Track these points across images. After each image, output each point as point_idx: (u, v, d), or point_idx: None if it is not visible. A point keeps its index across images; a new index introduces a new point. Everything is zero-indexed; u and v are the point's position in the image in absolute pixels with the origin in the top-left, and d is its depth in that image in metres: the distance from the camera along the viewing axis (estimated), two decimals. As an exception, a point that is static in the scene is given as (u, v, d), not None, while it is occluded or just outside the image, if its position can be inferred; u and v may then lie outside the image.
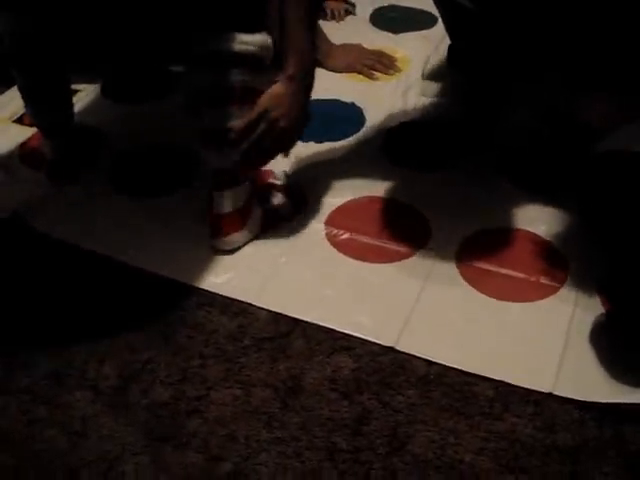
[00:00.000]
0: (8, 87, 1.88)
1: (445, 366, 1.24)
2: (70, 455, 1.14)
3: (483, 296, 1.36)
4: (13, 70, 1.52)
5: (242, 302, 1.36)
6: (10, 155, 1.72)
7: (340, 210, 1.55)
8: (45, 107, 1.58)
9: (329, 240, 1.48)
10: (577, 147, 1.53)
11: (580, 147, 1.53)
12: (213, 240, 1.45)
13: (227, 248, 1.45)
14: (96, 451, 1.14)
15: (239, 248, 1.47)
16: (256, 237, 1.49)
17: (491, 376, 1.22)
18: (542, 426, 1.15)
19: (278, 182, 1.57)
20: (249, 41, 1.30)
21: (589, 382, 1.20)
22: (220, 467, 1.12)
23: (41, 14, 1.45)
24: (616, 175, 1.54)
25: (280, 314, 1.34)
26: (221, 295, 1.38)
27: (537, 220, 1.50)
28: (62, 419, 1.19)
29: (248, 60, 1.32)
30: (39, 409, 1.20)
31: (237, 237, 1.45)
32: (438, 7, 1.64)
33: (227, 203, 1.41)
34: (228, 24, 1.30)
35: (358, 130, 1.77)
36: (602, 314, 1.30)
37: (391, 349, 1.27)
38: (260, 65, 1.34)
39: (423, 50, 2.02)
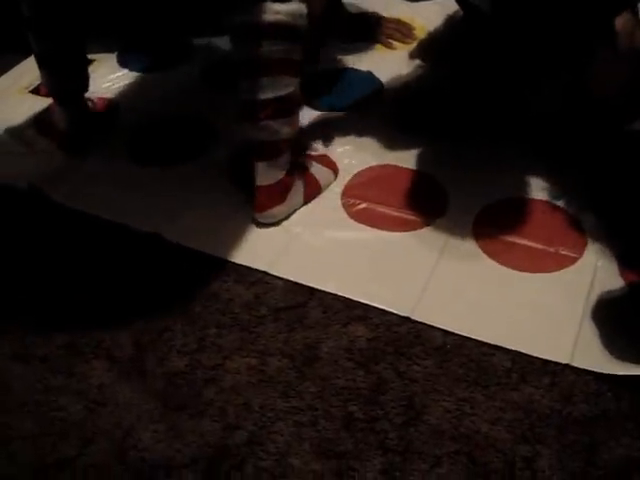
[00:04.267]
0: (25, 56, 1.87)
1: (462, 336, 1.23)
2: (86, 423, 1.14)
3: (501, 266, 1.34)
4: (30, 35, 1.52)
5: (258, 271, 1.36)
6: (26, 126, 1.72)
7: (356, 179, 1.54)
8: (61, 74, 1.57)
9: (345, 209, 1.47)
10: (599, 121, 1.51)
11: (600, 121, 1.51)
12: (255, 213, 1.44)
13: (268, 221, 1.45)
14: (112, 419, 1.15)
15: (280, 221, 1.46)
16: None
17: (508, 346, 1.21)
18: (559, 397, 1.14)
19: (314, 152, 1.56)
20: (282, 10, 1.28)
21: (607, 354, 1.19)
22: (236, 435, 1.12)
23: None
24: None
25: (296, 284, 1.33)
26: (237, 264, 1.37)
27: (556, 191, 1.48)
28: (78, 387, 1.19)
29: (281, 30, 1.30)
30: (55, 378, 1.21)
31: (278, 210, 1.44)
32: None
33: (269, 174, 1.40)
34: None
35: (375, 99, 1.75)
36: (623, 286, 1.28)
37: (407, 319, 1.26)
38: (294, 34, 1.32)
39: (440, 19, 1.99)
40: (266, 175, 1.40)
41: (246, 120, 1.38)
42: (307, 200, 1.49)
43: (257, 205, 1.43)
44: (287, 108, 1.37)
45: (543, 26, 1.41)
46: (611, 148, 1.52)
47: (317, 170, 1.52)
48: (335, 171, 1.55)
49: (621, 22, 1.26)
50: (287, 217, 1.46)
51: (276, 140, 1.38)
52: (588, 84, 1.44)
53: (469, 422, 1.12)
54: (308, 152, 1.57)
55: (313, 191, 1.50)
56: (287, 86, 1.34)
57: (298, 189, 1.47)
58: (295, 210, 1.47)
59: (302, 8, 1.31)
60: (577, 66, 1.45)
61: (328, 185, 1.53)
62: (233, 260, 1.38)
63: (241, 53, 1.33)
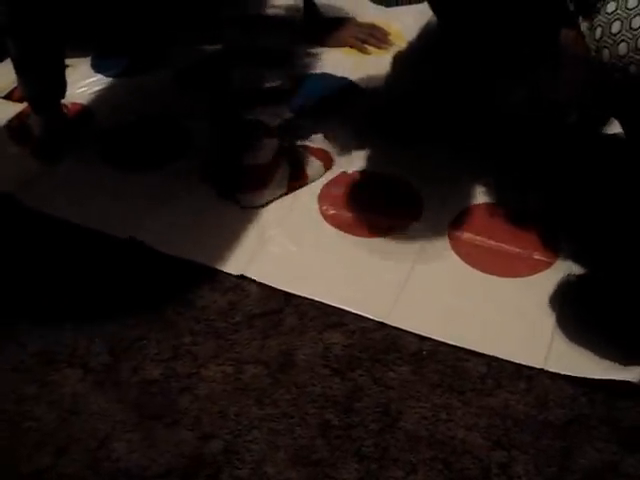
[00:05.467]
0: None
1: (437, 342, 1.23)
2: (60, 432, 1.13)
3: (475, 271, 1.35)
4: (8, 40, 1.51)
5: (232, 277, 1.35)
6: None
7: (332, 184, 1.54)
8: (39, 79, 1.56)
9: (321, 214, 1.47)
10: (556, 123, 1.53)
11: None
12: (238, 194, 1.46)
13: (248, 205, 1.47)
14: (86, 429, 1.14)
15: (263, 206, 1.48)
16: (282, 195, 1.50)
17: (483, 351, 1.21)
18: (534, 402, 1.15)
19: (311, 144, 1.58)
20: (279, 4, 1.31)
21: (581, 358, 1.19)
22: (211, 444, 1.11)
23: None
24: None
25: (271, 290, 1.32)
26: (211, 269, 1.37)
27: (528, 194, 1.48)
28: (52, 397, 1.18)
29: (278, 22, 1.32)
30: (29, 387, 1.19)
31: (260, 194, 1.46)
32: None
33: (256, 155, 1.43)
34: None
35: (349, 103, 1.74)
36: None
37: (383, 325, 1.26)
38: (291, 26, 1.35)
39: (416, 24, 1.99)
40: (254, 155, 1.43)
41: (244, 107, 1.41)
42: (290, 189, 1.50)
43: (242, 185, 1.45)
44: (278, 97, 1.40)
45: (488, 26, 1.44)
46: (578, 151, 1.53)
47: (308, 161, 1.53)
48: (327, 165, 1.56)
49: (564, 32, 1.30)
50: (266, 204, 1.48)
51: (266, 124, 1.41)
52: (548, 88, 1.45)
53: (445, 428, 1.12)
54: (304, 142, 1.58)
55: (298, 181, 1.51)
56: (280, 76, 1.37)
57: (283, 175, 1.48)
58: (275, 198, 1.49)
59: (298, 1, 1.34)
60: (536, 70, 1.46)
61: (317, 178, 1.54)
62: (208, 265, 1.37)
63: (237, 43, 1.36)
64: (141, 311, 1.30)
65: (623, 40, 1.04)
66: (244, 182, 1.45)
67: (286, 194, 1.50)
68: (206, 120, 1.65)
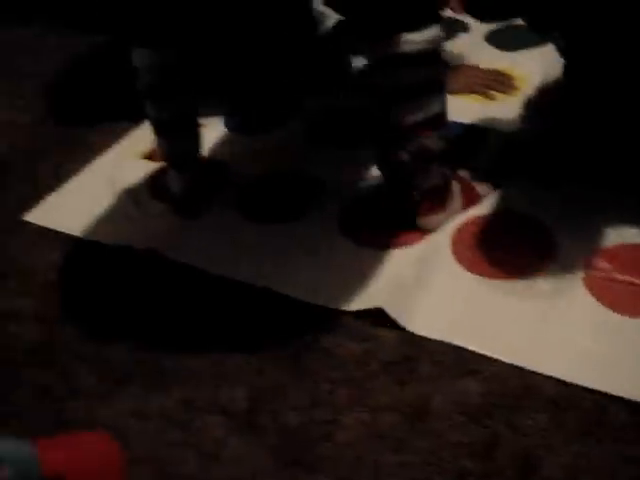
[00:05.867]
0: (136, 124, 1.96)
1: (574, 387, 1.21)
2: (202, 478, 1.17)
3: (612, 313, 1.33)
4: (149, 102, 1.59)
5: (367, 324, 1.37)
6: (140, 190, 1.79)
7: (465, 226, 1.54)
8: (177, 139, 1.64)
9: (454, 255, 1.48)
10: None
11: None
12: (418, 218, 1.52)
13: (429, 227, 1.52)
14: (228, 474, 1.17)
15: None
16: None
17: (624, 395, 1.18)
18: (679, 452, 1.11)
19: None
20: (419, 40, 1.34)
21: None
22: (350, 491, 1.13)
23: (184, 46, 1.53)
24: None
25: (407, 336, 1.34)
26: (347, 315, 1.39)
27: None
28: (195, 442, 1.22)
29: (422, 57, 1.36)
30: (174, 432, 1.24)
31: (438, 218, 1.52)
32: None
33: (429, 179, 1.48)
34: (396, 27, 1.34)
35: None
36: None
37: (519, 371, 1.25)
38: (434, 59, 1.40)
39: (541, 67, 1.99)
40: (427, 180, 1.48)
41: (391, 145, 1.47)
42: (465, 207, 1.55)
43: (420, 210, 1.50)
44: (437, 124, 1.44)
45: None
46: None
47: (473, 184, 1.59)
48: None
49: None
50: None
51: (431, 152, 1.45)
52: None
53: (585, 478, 1.10)
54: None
55: (472, 199, 1.56)
56: (435, 104, 1.42)
57: (457, 196, 1.53)
58: (454, 217, 1.54)
59: (439, 33, 1.37)
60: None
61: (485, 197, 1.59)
62: (344, 310, 1.40)
63: (388, 81, 1.40)
64: (279, 359, 1.34)
65: None
66: (422, 207, 1.50)
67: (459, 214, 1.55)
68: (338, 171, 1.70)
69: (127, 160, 1.90)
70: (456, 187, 1.54)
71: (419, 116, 1.40)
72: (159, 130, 1.64)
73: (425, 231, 1.53)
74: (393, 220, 1.56)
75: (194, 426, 1.25)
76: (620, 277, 1.39)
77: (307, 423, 1.22)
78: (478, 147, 1.76)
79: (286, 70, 1.87)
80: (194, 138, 1.67)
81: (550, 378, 1.24)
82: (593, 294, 1.37)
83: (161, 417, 1.27)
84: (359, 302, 1.40)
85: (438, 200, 1.51)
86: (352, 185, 1.70)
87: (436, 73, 1.42)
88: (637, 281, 1.37)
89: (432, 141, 1.44)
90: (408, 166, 1.46)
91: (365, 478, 1.14)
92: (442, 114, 1.44)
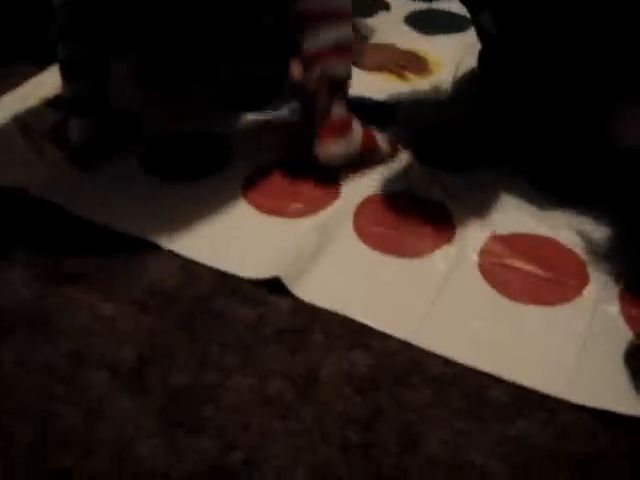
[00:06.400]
0: (39, 68, 1.90)
1: (460, 366, 1.24)
2: (86, 433, 1.15)
3: (504, 298, 1.36)
4: (62, 42, 1.55)
5: (264, 291, 1.37)
6: (41, 136, 1.74)
7: (368, 203, 1.56)
8: (84, 82, 1.60)
9: (356, 231, 1.49)
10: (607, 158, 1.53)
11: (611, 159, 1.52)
12: (318, 147, 1.54)
13: (329, 160, 1.55)
14: (111, 431, 1.15)
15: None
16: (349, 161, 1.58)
17: (507, 378, 1.22)
18: (555, 433, 1.15)
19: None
20: None
21: (605, 391, 1.20)
22: (232, 455, 1.12)
23: None
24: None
25: (301, 305, 1.34)
26: (244, 281, 1.38)
27: (561, 226, 1.50)
28: (79, 398, 1.20)
29: None
30: (58, 387, 1.22)
31: (338, 145, 1.53)
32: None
33: (333, 109, 1.50)
34: None
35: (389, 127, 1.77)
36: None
37: (408, 346, 1.27)
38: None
39: (456, 53, 2.02)
40: (330, 108, 1.50)
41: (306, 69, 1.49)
42: (363, 150, 1.57)
43: (320, 138, 1.52)
44: (346, 51, 1.48)
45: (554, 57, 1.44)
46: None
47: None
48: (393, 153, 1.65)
49: None
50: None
51: (339, 78, 1.49)
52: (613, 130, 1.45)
53: (464, 454, 1.13)
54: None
55: (370, 142, 1.58)
56: (346, 32, 1.46)
57: (357, 133, 1.55)
58: (351, 157, 1.56)
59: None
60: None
61: (384, 152, 1.63)
62: (241, 275, 1.39)
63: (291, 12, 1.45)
64: (171, 320, 1.32)
65: None
66: (323, 134, 1.52)
67: (360, 155, 1.56)
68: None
69: (30, 105, 1.85)
70: (357, 125, 1.55)
71: (323, 43, 1.44)
72: (67, 71, 1.59)
73: (322, 161, 1.55)
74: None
75: (79, 381, 1.22)
76: (513, 263, 1.42)
77: (194, 385, 1.21)
78: (387, 123, 1.77)
79: (201, 31, 1.84)
80: (101, 84, 1.63)
81: (437, 356, 1.26)
82: (486, 278, 1.40)
83: (46, 370, 1.24)
84: (256, 270, 1.39)
85: (338, 131, 1.52)
86: (260, 150, 1.69)
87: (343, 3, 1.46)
88: (530, 268, 1.41)
89: (336, 69, 1.47)
90: (312, 92, 1.49)
91: (249, 443, 1.14)
92: (347, 42, 1.47)
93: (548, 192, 1.57)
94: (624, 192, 1.52)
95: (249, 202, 1.56)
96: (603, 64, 1.40)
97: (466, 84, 1.92)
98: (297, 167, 1.63)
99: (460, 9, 2.10)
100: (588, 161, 1.56)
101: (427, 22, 2.23)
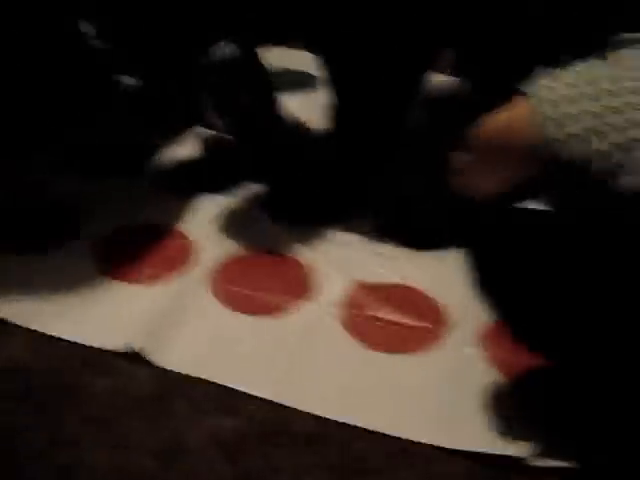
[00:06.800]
0: None
1: (331, 422, 1.20)
2: None
3: (365, 348, 1.34)
4: None
5: (120, 359, 1.29)
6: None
7: (226, 263, 1.52)
8: None
9: (214, 294, 1.44)
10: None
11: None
12: None
13: None
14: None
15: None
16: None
17: (378, 429, 1.19)
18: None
19: None
20: None
21: (472, 432, 1.19)
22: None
23: None
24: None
25: (160, 373, 1.27)
26: (97, 350, 1.31)
27: (419, 276, 1.50)
28: None
29: None
30: None
31: None
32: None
33: None
34: None
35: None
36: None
37: (275, 407, 1.22)
38: None
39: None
40: None
41: None
42: None
43: None
44: None
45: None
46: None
47: None
48: None
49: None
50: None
51: None
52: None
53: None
54: None
55: None
56: None
57: None
58: None
59: None
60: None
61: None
62: (92, 345, 1.32)
63: None
64: (16, 397, 1.22)
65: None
66: None
67: None
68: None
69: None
70: None
71: None
72: None
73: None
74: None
75: None
76: (375, 314, 1.41)
77: (46, 467, 1.12)
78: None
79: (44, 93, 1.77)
80: None
81: (306, 413, 1.22)
82: (348, 330, 1.38)
83: None
84: (111, 340, 1.32)
85: None
86: (106, 216, 1.62)
87: None
88: (391, 317, 1.40)
89: None
90: None
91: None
92: None
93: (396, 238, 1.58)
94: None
95: (101, 270, 1.48)
96: None
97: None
98: (149, 230, 1.58)
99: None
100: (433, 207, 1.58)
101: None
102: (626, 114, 0.90)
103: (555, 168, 0.99)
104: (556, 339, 1.14)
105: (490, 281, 1.20)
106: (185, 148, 1.84)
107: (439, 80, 1.77)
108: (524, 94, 0.97)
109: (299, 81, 2.17)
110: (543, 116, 0.94)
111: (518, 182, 1.07)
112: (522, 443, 1.16)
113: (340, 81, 1.63)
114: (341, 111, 1.67)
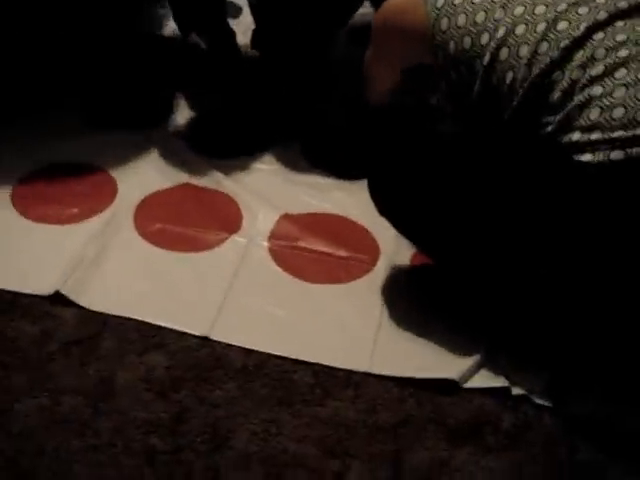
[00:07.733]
0: None
1: (262, 355, 1.21)
2: None
3: (297, 280, 1.35)
4: None
5: (45, 303, 1.27)
6: None
7: (148, 199, 1.49)
8: None
9: (138, 231, 1.42)
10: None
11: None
12: None
13: None
14: None
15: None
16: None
17: (309, 360, 1.20)
18: (364, 407, 1.15)
19: None
20: None
21: (404, 359, 1.21)
22: (30, 484, 1.03)
23: None
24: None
25: (88, 314, 1.26)
26: (21, 295, 1.28)
27: (348, 204, 1.50)
28: None
29: None
30: None
31: None
32: None
33: None
34: None
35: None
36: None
37: (207, 342, 1.22)
38: None
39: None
40: None
41: None
42: None
43: None
44: None
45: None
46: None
47: None
48: None
49: None
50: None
51: None
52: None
53: (276, 443, 1.10)
54: None
55: None
56: None
57: None
58: None
59: None
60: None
61: None
62: (15, 290, 1.29)
63: None
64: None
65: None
66: None
67: None
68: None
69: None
70: None
71: None
72: None
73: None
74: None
75: None
76: (305, 245, 1.41)
77: (-23, 414, 1.11)
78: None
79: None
80: None
81: (238, 348, 1.22)
82: (277, 262, 1.38)
83: None
84: (34, 285, 1.29)
85: None
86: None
87: None
88: (321, 248, 1.40)
89: None
90: None
91: (46, 469, 1.05)
92: None
93: (323, 168, 1.58)
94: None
95: (19, 211, 1.44)
96: None
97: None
98: (69, 169, 1.53)
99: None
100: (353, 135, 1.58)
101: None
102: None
103: (442, 57, 1.15)
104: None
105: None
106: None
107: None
108: None
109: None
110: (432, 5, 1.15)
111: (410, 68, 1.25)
112: (453, 367, 1.19)
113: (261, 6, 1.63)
114: (263, 35, 1.66)
